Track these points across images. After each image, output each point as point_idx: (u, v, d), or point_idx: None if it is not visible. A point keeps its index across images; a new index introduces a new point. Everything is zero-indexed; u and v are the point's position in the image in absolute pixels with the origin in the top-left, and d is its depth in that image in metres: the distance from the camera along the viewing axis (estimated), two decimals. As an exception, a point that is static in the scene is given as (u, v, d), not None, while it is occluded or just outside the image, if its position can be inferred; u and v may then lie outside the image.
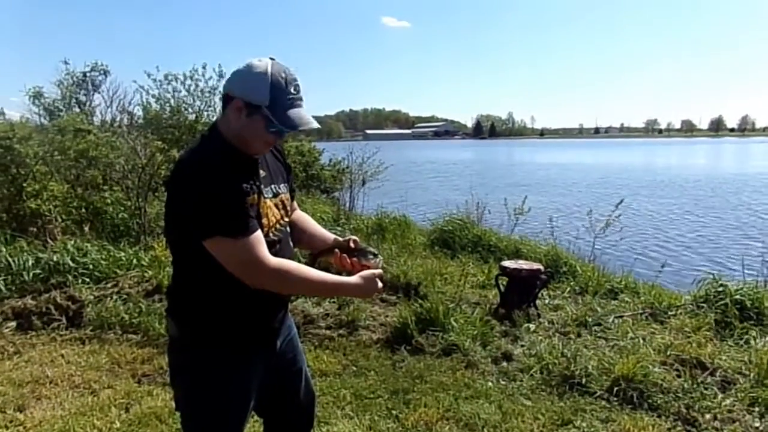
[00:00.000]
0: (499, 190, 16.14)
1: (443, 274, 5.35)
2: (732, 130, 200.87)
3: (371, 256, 1.62)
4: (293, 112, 1.45)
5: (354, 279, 1.56)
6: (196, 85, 9.31)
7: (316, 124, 1.49)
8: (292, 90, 1.45)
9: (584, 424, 2.84)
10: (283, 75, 1.44)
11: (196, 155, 1.48)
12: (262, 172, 1.55)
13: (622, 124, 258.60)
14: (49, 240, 5.52)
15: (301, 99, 1.48)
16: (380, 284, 1.59)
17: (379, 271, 1.60)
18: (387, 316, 4.23)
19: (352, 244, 1.65)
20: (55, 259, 4.87)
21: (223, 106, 1.51)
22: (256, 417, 1.89)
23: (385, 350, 3.78)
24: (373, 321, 4.16)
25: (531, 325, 4.13)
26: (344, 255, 1.62)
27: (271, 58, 1.46)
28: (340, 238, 1.70)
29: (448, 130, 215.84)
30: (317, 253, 1.72)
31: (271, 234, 1.53)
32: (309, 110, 1.49)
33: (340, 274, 1.62)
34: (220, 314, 1.53)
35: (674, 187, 21.32)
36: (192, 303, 1.55)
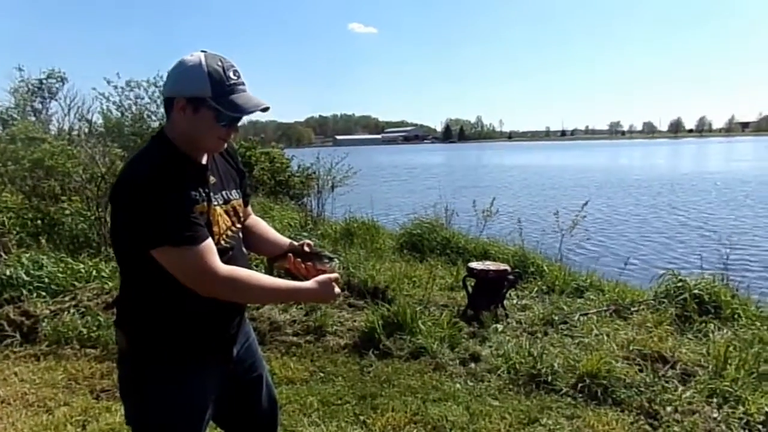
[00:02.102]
0: (469, 191, 16.30)
1: (411, 278, 5.34)
2: (690, 131, 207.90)
3: (326, 260, 1.58)
4: (238, 97, 1.40)
5: (309, 284, 1.52)
6: (161, 92, 9.12)
7: (265, 103, 1.44)
8: (231, 75, 1.40)
9: (550, 422, 2.87)
10: (219, 63, 1.39)
11: (142, 163, 1.42)
12: (212, 179, 1.50)
13: (587, 127, 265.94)
14: (2, 253, 5.28)
15: (243, 84, 1.43)
16: (337, 289, 1.55)
17: (335, 275, 1.56)
18: (355, 321, 4.20)
19: (306, 248, 1.61)
20: (8, 273, 4.66)
21: (166, 112, 1.45)
22: (217, 429, 1.83)
23: (352, 355, 3.75)
24: (340, 326, 4.12)
25: (499, 326, 4.15)
26: (298, 260, 1.59)
27: (203, 51, 1.41)
28: (296, 243, 1.66)
29: (418, 135, 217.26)
30: (272, 259, 1.68)
31: (222, 241, 1.49)
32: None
33: (302, 279, 1.58)
34: (171, 323, 1.48)
35: (632, 189, 21.83)
36: (141, 313, 1.50)
